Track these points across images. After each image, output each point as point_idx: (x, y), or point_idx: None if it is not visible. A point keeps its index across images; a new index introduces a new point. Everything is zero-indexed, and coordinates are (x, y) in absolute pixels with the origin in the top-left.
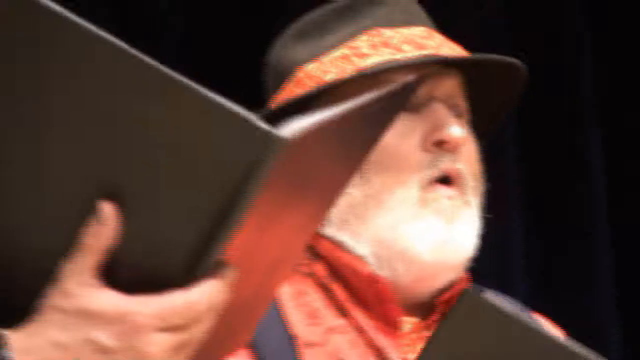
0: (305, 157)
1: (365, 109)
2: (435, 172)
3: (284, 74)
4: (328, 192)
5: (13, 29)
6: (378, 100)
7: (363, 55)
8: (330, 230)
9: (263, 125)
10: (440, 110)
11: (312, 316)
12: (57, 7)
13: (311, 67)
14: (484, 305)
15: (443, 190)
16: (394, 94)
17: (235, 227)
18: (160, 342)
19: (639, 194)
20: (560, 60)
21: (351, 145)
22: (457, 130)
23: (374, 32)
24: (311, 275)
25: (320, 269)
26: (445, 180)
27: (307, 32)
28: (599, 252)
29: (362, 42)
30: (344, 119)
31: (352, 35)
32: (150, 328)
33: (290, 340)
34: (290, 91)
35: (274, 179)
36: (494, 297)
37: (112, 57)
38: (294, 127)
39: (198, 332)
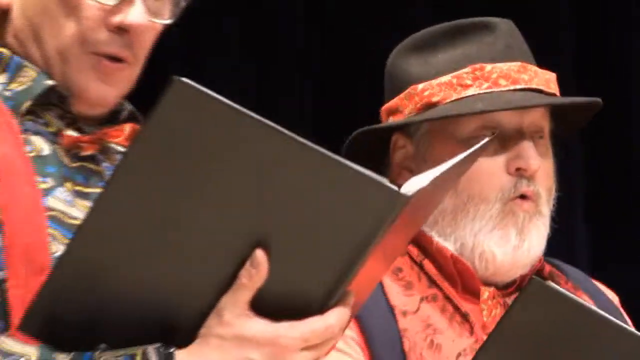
0: (415, 205)
1: (461, 165)
2: (515, 192)
3: (398, 85)
4: (415, 225)
5: (199, 125)
6: (470, 156)
7: (466, 86)
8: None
9: (391, 185)
10: (524, 141)
11: (407, 288)
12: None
13: (421, 87)
14: (549, 290)
15: (520, 204)
16: (479, 150)
17: (361, 266)
18: (302, 359)
19: None
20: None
21: (441, 191)
22: (535, 162)
23: (477, 66)
24: (406, 253)
25: (412, 248)
26: (522, 196)
27: (422, 47)
28: None
29: (466, 73)
30: (446, 173)
31: (459, 65)
32: (295, 348)
33: (390, 310)
34: (401, 101)
35: (393, 225)
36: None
37: (271, 139)
38: (413, 185)
39: (330, 347)
